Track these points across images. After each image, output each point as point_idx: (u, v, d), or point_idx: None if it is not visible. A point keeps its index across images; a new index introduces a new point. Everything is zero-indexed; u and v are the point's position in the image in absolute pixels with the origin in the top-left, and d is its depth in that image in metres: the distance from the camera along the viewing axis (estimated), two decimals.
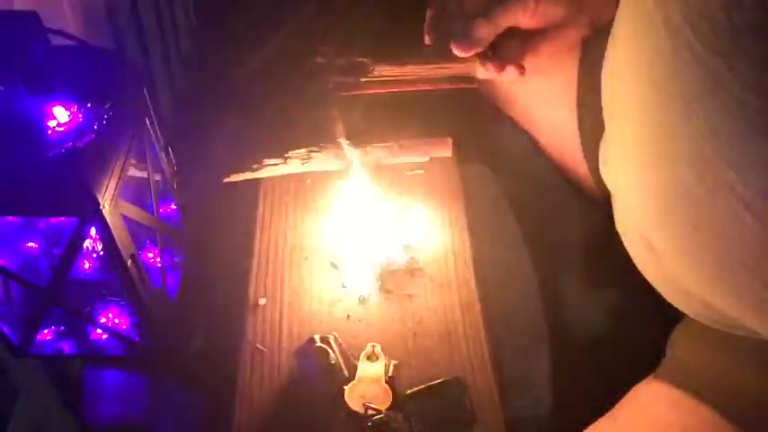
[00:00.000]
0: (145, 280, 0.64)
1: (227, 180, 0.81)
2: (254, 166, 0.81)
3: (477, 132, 0.89)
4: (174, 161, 0.75)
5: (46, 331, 0.70)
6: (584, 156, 0.74)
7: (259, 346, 0.68)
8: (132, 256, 0.61)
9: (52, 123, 0.56)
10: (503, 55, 0.66)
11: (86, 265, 0.70)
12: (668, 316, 0.59)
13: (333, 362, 0.65)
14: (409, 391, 0.63)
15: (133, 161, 0.64)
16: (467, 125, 0.87)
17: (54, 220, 0.70)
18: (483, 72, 0.67)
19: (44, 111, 0.56)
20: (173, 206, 0.77)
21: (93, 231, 0.58)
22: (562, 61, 0.70)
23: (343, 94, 0.68)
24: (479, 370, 0.66)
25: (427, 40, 0.69)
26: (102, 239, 0.58)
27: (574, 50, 0.69)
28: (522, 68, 0.66)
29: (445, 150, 0.83)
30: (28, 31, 0.55)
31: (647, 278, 0.56)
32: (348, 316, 0.71)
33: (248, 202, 0.82)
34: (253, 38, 1.18)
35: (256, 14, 1.23)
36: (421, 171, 0.84)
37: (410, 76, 0.68)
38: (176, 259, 0.76)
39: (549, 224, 0.83)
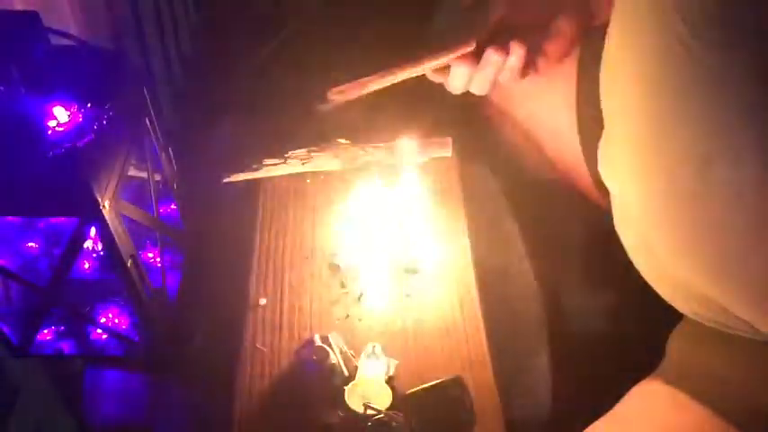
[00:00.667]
0: (145, 280, 0.64)
1: (227, 180, 0.81)
2: (254, 166, 0.81)
3: (477, 132, 0.89)
4: (173, 161, 0.75)
5: (46, 331, 0.70)
6: (584, 156, 0.74)
7: (259, 346, 0.68)
8: (132, 256, 0.61)
9: (52, 123, 0.56)
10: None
11: (86, 265, 0.70)
12: (667, 316, 0.59)
13: (333, 362, 0.65)
14: (409, 391, 0.63)
15: (133, 161, 0.64)
16: (467, 125, 0.87)
17: (54, 220, 0.70)
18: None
19: (44, 111, 0.56)
20: (173, 206, 0.77)
21: (93, 231, 0.58)
22: (562, 62, 0.70)
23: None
24: (479, 370, 0.66)
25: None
26: (102, 239, 0.58)
27: (573, 51, 0.69)
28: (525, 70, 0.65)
29: (445, 150, 0.83)
30: (28, 31, 0.55)
31: (646, 278, 0.56)
32: (348, 316, 0.71)
33: (248, 202, 0.82)
34: (253, 38, 1.18)
35: (256, 14, 1.23)
36: (421, 171, 0.84)
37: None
38: (176, 259, 0.76)
39: (549, 224, 0.83)
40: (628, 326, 0.76)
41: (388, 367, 0.65)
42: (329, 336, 0.68)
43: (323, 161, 0.81)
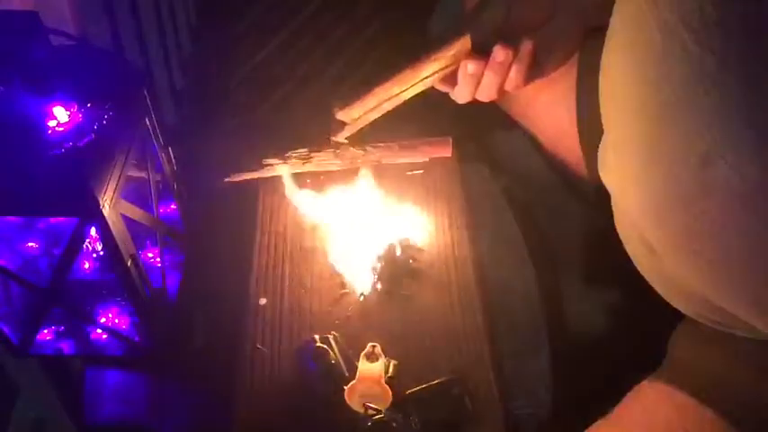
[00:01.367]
0: (145, 280, 0.64)
1: (227, 180, 0.81)
2: (254, 166, 0.81)
3: (477, 132, 0.89)
4: (174, 161, 0.75)
5: (46, 331, 0.70)
6: (584, 156, 0.74)
7: (259, 346, 0.68)
8: (132, 256, 0.61)
9: (52, 123, 0.56)
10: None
11: (86, 265, 0.70)
12: (668, 316, 0.59)
13: (333, 362, 0.65)
14: (409, 391, 0.63)
15: (133, 161, 0.64)
16: (467, 125, 0.87)
17: (54, 220, 0.70)
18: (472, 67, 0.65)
19: (44, 111, 0.56)
20: (173, 206, 0.77)
21: (93, 231, 0.58)
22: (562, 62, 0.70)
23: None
24: (479, 370, 0.66)
25: None
26: (102, 239, 0.58)
27: (574, 52, 0.69)
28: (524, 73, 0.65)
29: (445, 150, 0.83)
30: (28, 31, 0.55)
31: (647, 278, 0.56)
32: (348, 316, 0.71)
33: (248, 202, 0.82)
34: (253, 38, 1.18)
35: (256, 15, 1.23)
36: (421, 171, 0.84)
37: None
38: (176, 259, 0.76)
39: (549, 224, 0.83)
40: (628, 326, 0.76)
41: (388, 367, 0.65)
42: (329, 336, 0.68)
43: (323, 161, 0.81)
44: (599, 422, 0.59)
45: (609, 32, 0.41)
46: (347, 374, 0.65)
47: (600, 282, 0.79)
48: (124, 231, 0.59)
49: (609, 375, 0.69)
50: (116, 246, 0.58)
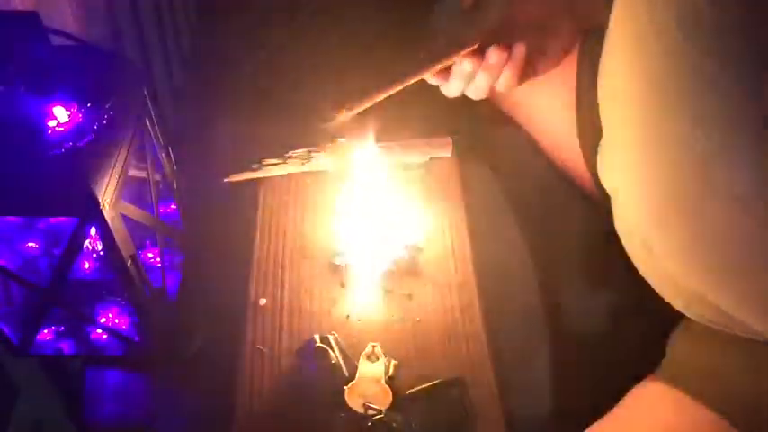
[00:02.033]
0: (145, 280, 0.64)
1: (227, 180, 0.81)
2: (254, 166, 0.81)
3: (477, 132, 0.90)
4: (174, 161, 0.75)
5: (46, 331, 0.70)
6: (584, 157, 0.74)
7: (259, 347, 0.68)
8: (132, 256, 0.61)
9: (52, 123, 0.56)
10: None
11: (86, 265, 0.70)
12: (668, 316, 0.59)
13: (333, 362, 0.65)
14: (409, 391, 0.63)
15: (133, 161, 0.64)
16: (467, 125, 0.87)
17: (54, 220, 0.70)
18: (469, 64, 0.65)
19: (44, 111, 0.56)
20: (173, 206, 0.77)
21: (93, 231, 0.58)
22: (561, 64, 0.70)
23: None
24: (479, 370, 0.66)
25: None
26: (102, 239, 0.58)
27: (573, 53, 0.69)
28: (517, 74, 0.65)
29: (445, 150, 0.83)
30: (28, 31, 0.55)
31: (647, 278, 0.56)
32: (348, 316, 0.71)
33: (248, 202, 0.82)
34: (252, 38, 1.18)
35: (256, 14, 1.23)
36: (421, 171, 0.84)
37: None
38: (176, 259, 0.76)
39: (549, 224, 0.83)
40: (628, 326, 0.76)
41: (388, 367, 0.65)
42: (329, 336, 0.68)
43: (323, 161, 0.81)
44: (599, 422, 0.59)
45: (608, 34, 0.41)
46: (347, 374, 0.65)
47: (600, 282, 0.79)
48: (124, 231, 0.59)
49: (609, 375, 0.69)
50: (116, 246, 0.58)
